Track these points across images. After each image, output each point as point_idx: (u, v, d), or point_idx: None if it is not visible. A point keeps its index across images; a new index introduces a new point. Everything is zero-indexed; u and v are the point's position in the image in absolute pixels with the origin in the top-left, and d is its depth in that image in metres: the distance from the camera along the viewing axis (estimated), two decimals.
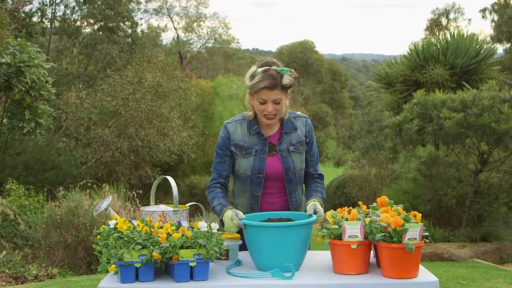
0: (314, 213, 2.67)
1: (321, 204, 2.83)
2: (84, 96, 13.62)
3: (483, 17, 26.03)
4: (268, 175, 2.89)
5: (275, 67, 2.81)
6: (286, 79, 2.79)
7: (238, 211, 2.71)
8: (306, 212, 2.77)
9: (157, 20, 28.60)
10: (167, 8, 27.93)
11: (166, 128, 13.50)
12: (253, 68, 2.84)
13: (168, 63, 15.75)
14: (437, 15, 29.91)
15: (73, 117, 13.10)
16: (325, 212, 2.72)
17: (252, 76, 2.82)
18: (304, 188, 3.08)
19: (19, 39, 10.04)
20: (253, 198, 2.92)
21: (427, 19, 30.23)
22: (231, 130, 2.93)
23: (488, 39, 24.72)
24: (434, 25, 29.57)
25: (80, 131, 13.09)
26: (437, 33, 27.75)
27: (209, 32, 28.27)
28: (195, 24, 28.09)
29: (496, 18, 25.62)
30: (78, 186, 8.90)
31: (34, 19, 15.38)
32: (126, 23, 18.56)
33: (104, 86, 13.79)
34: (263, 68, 2.80)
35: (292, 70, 2.86)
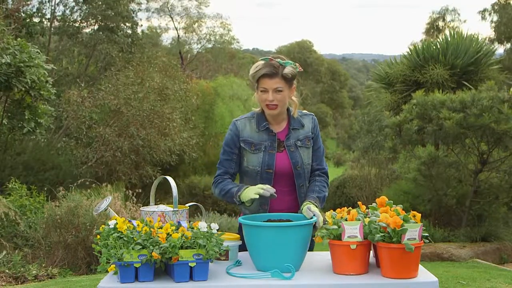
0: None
1: (316, 205, 2.84)
2: (86, 95, 13.60)
3: (482, 18, 26.01)
4: (277, 171, 2.92)
5: (279, 59, 2.88)
6: (287, 69, 2.86)
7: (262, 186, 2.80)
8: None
9: (158, 19, 28.55)
10: (168, 8, 27.93)
11: (167, 128, 13.50)
12: (259, 61, 2.93)
13: (171, 65, 15.74)
14: (433, 18, 29.96)
15: (74, 115, 13.09)
16: (324, 212, 2.72)
17: (255, 66, 2.89)
18: None
19: (19, 39, 10.03)
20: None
21: (425, 22, 30.33)
22: (240, 127, 2.96)
23: (487, 41, 24.73)
24: (432, 28, 29.62)
25: (82, 130, 13.08)
26: (435, 35, 27.79)
27: (209, 33, 28.27)
28: (196, 24, 28.08)
29: (495, 18, 25.61)
30: (77, 184, 8.89)
31: (34, 19, 15.38)
32: (126, 23, 18.55)
33: (107, 85, 13.80)
34: (265, 57, 2.90)
35: (297, 64, 2.92)
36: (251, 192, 2.78)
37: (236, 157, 2.97)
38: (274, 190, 2.78)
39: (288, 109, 3.00)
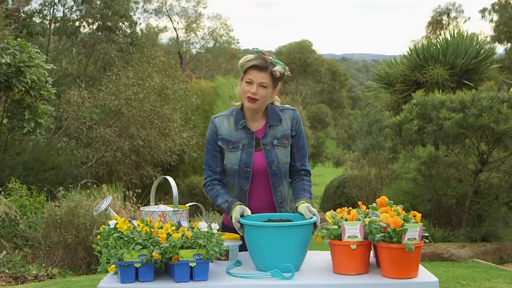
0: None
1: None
2: (86, 95, 13.59)
3: (482, 17, 26.02)
4: (255, 170, 2.89)
5: (271, 57, 2.87)
6: (277, 68, 2.84)
7: (245, 207, 2.72)
8: (295, 212, 2.78)
9: (156, 20, 28.56)
10: (166, 9, 27.93)
11: (168, 128, 13.49)
12: (249, 54, 2.90)
13: (170, 64, 15.72)
14: (438, 13, 29.94)
15: (75, 116, 13.08)
16: (324, 212, 2.72)
17: (245, 57, 2.87)
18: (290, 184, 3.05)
19: (19, 39, 10.03)
20: (241, 192, 2.92)
21: (429, 15, 30.26)
22: (218, 124, 2.94)
23: (488, 39, 24.73)
24: (435, 23, 29.60)
25: (82, 130, 13.08)
26: (438, 31, 27.80)
27: (209, 33, 28.27)
28: (194, 24, 28.08)
29: (496, 18, 25.62)
30: (79, 186, 8.89)
31: (35, 19, 15.39)
32: (125, 22, 18.55)
33: (108, 86, 13.79)
34: (258, 50, 2.87)
35: (286, 67, 2.90)
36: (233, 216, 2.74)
37: (219, 154, 2.94)
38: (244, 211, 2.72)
39: (267, 107, 2.94)
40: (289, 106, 3.02)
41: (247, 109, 2.90)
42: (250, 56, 2.85)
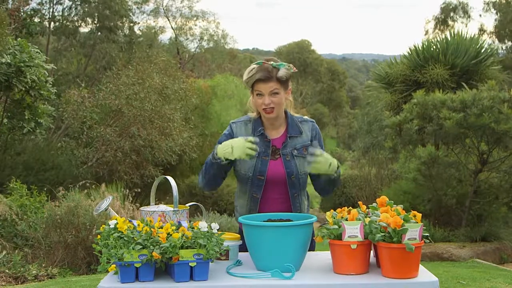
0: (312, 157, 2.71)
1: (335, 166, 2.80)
2: (86, 95, 13.58)
3: (486, 10, 25.93)
4: (269, 179, 2.88)
5: (273, 62, 2.84)
6: (282, 72, 2.82)
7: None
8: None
9: (154, 21, 28.39)
10: (164, 9, 27.93)
11: (169, 128, 13.49)
12: (252, 65, 2.89)
13: (170, 64, 15.71)
14: (445, 11, 29.80)
15: (75, 115, 13.08)
16: (325, 212, 2.73)
17: (249, 71, 2.85)
18: (307, 193, 3.05)
19: (19, 39, 10.04)
20: (252, 200, 2.91)
21: (433, 15, 30.15)
22: (235, 130, 2.94)
23: (493, 36, 24.71)
24: (440, 22, 29.52)
25: (82, 130, 13.07)
26: (443, 30, 27.78)
27: (203, 32, 28.30)
28: (189, 24, 28.11)
29: (499, 16, 25.56)
30: (78, 186, 8.90)
31: (35, 19, 15.39)
32: (125, 22, 18.56)
33: (108, 85, 13.78)
34: (259, 61, 2.86)
35: (291, 65, 2.88)
36: (239, 150, 2.74)
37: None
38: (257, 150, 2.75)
39: (286, 114, 2.95)
40: (307, 117, 3.02)
41: (266, 119, 2.91)
42: (252, 70, 2.83)
